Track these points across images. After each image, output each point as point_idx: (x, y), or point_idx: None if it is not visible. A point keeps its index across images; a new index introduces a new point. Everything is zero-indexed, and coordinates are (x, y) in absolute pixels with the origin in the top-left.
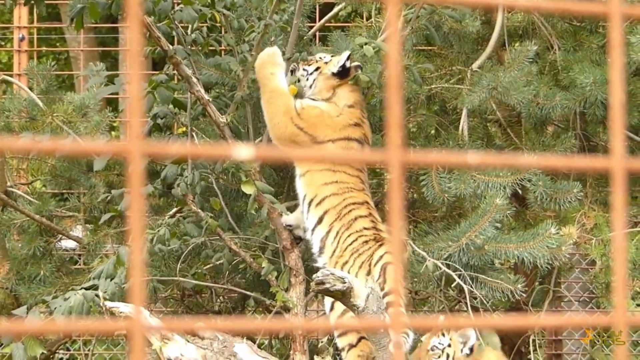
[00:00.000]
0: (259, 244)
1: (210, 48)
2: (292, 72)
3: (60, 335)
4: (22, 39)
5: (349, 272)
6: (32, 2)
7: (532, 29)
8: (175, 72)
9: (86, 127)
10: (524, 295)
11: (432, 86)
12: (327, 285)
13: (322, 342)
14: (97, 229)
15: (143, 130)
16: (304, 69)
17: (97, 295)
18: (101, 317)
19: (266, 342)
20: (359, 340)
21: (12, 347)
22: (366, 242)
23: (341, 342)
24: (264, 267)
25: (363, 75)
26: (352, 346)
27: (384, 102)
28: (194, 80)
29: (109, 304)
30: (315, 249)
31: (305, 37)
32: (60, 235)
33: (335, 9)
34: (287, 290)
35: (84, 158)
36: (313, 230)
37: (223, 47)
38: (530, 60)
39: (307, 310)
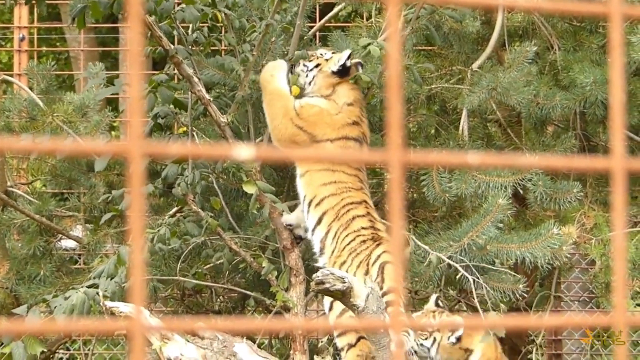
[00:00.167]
0: (259, 244)
1: (212, 48)
2: (292, 68)
3: (61, 335)
4: (22, 39)
5: (347, 272)
6: (33, 1)
7: (532, 29)
8: (175, 71)
9: (86, 127)
10: (526, 295)
11: (432, 86)
12: (327, 285)
13: (322, 342)
14: (97, 229)
15: (144, 130)
16: (304, 65)
17: (97, 294)
18: (101, 316)
19: (266, 341)
20: (358, 340)
21: (12, 346)
22: (364, 241)
23: (340, 342)
24: (264, 267)
25: (363, 75)
26: (351, 346)
27: (385, 102)
28: (195, 80)
29: (109, 303)
30: (316, 250)
31: (305, 37)
32: (60, 235)
33: (336, 9)
34: (287, 290)
35: (84, 158)
36: (313, 230)
37: (224, 47)
38: (530, 60)
39: (307, 310)
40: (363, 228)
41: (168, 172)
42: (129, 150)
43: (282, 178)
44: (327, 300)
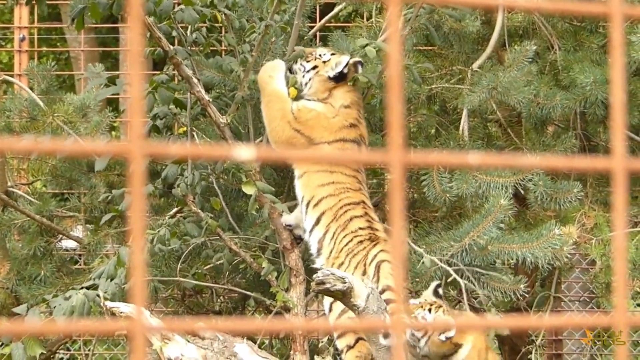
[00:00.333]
0: (259, 244)
1: (212, 48)
2: (290, 67)
3: (61, 335)
4: (22, 39)
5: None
6: (34, 2)
7: (533, 29)
8: (175, 72)
9: (86, 128)
10: (527, 296)
11: (433, 86)
12: (328, 285)
13: (322, 342)
14: (98, 229)
15: (144, 131)
16: (301, 64)
17: (97, 295)
18: (102, 317)
19: (267, 342)
20: (357, 341)
21: (12, 346)
22: (361, 242)
23: (340, 344)
24: (264, 267)
25: (361, 76)
26: (349, 347)
27: (385, 102)
28: (195, 80)
29: (109, 304)
30: (313, 250)
31: (305, 37)
32: (60, 236)
33: (336, 9)
34: (287, 290)
35: (84, 158)
36: (311, 231)
37: (224, 48)
38: (530, 59)
39: (307, 310)
40: (360, 228)
41: (168, 172)
42: (130, 150)
43: (282, 178)
44: (327, 301)
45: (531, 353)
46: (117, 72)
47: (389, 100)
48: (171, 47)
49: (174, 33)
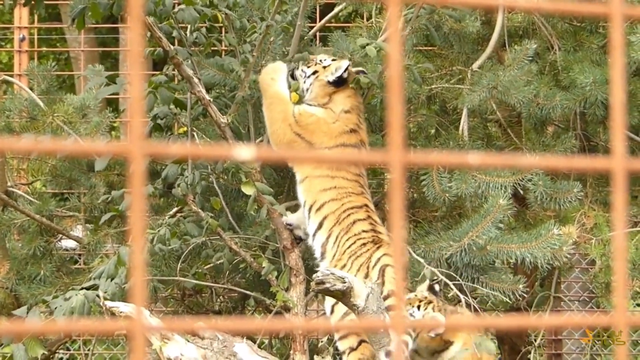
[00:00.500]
0: (259, 244)
1: (212, 48)
2: (292, 71)
3: (61, 335)
4: (22, 40)
5: None
6: (32, 2)
7: (533, 29)
8: (175, 72)
9: (86, 128)
10: (526, 296)
11: (433, 86)
12: (327, 285)
13: (322, 341)
14: (98, 229)
15: (144, 131)
16: (302, 70)
17: (97, 296)
18: (101, 317)
19: (266, 341)
20: (360, 343)
21: (13, 347)
22: (364, 244)
23: (342, 346)
24: (264, 267)
25: (362, 77)
26: (352, 349)
27: (385, 102)
28: (195, 80)
29: (109, 303)
30: (317, 254)
31: (305, 38)
32: (60, 235)
33: (336, 9)
34: (287, 290)
35: (84, 158)
36: (314, 235)
37: (224, 48)
38: (530, 59)
39: (307, 310)
40: (364, 231)
41: (168, 172)
42: (130, 150)
43: (282, 178)
44: (329, 303)
45: (531, 353)
46: (117, 72)
47: (389, 101)
48: (171, 47)
49: (175, 33)
